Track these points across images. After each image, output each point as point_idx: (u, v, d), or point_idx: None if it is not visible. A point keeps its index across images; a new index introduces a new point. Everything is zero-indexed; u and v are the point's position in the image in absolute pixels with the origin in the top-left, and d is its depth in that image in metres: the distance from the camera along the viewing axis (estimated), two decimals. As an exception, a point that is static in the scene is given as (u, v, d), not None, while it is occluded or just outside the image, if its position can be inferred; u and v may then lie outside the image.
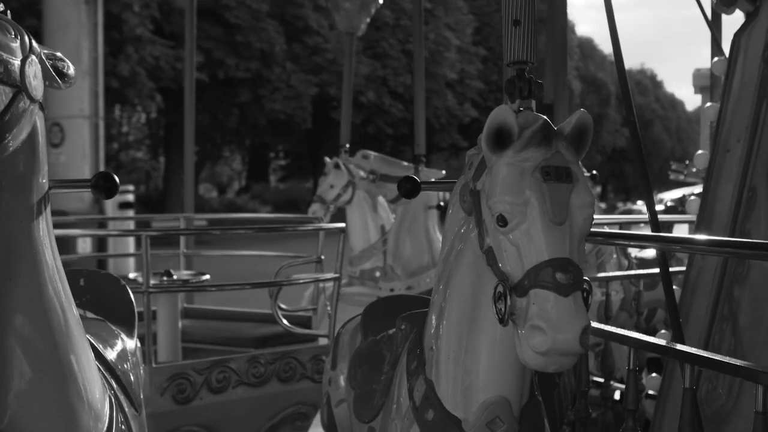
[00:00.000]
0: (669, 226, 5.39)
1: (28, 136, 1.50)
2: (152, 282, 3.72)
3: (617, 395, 3.94)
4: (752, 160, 2.86)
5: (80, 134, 14.15)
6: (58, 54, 1.60)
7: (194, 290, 5.25)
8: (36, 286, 1.55)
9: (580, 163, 1.73)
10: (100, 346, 2.01)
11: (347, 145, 6.66)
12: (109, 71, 17.90)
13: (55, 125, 14.16)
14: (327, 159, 6.47)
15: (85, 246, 11.61)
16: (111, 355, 2.07)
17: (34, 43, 1.53)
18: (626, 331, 2.54)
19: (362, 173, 6.13)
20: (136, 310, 2.54)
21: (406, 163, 6.20)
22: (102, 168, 14.56)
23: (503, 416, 1.86)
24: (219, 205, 30.89)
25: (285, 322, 3.97)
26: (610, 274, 4.63)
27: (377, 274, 6.16)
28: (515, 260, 1.62)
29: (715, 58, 3.40)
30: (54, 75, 1.57)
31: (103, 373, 1.83)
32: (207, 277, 4.39)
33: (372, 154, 6.16)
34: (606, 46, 46.06)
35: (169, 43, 21.52)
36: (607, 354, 3.46)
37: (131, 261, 11.42)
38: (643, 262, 5.01)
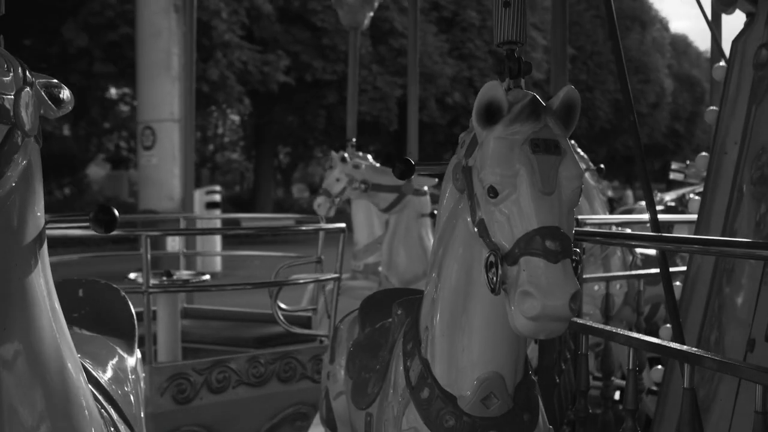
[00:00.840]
0: (669, 226, 5.39)
1: (23, 171, 1.46)
2: (152, 282, 3.72)
3: (617, 395, 3.94)
4: (741, 161, 2.92)
5: (170, 137, 14.68)
6: (54, 81, 1.57)
7: (194, 290, 5.25)
8: (32, 333, 1.49)
9: (568, 138, 1.76)
10: (98, 373, 1.97)
11: (354, 139, 6.71)
12: (199, 76, 18.67)
13: (147, 128, 14.74)
14: (333, 153, 6.50)
15: (174, 244, 11.89)
16: (109, 379, 2.02)
17: (28, 74, 1.49)
18: (626, 331, 2.54)
19: (354, 184, 6.11)
20: (136, 322, 2.48)
21: None
22: (192, 170, 15.19)
23: (497, 392, 1.89)
24: (308, 205, 31.28)
25: (285, 322, 3.97)
26: (612, 274, 4.63)
27: (381, 268, 6.16)
28: (506, 230, 1.66)
29: (716, 64, 3.47)
30: (49, 103, 1.54)
31: (101, 403, 1.80)
32: (207, 277, 4.39)
33: (363, 163, 6.15)
34: (701, 43, 44.51)
35: (257, 48, 21.98)
36: (607, 354, 3.46)
37: (218, 259, 11.34)
38: (648, 258, 5.01)
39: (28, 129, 1.46)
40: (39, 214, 1.53)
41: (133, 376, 2.23)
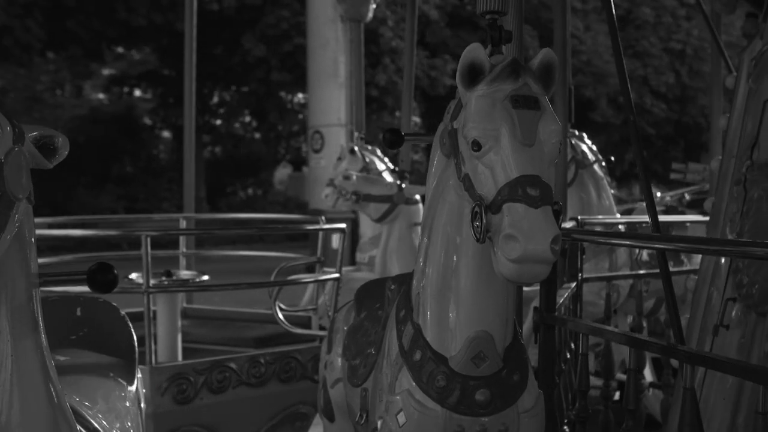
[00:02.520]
0: (668, 225, 5.39)
1: (15, 235, 1.41)
2: (152, 282, 3.71)
3: (616, 395, 3.93)
4: (736, 166, 3.02)
5: (337, 140, 15.45)
6: (45, 131, 1.50)
7: (194, 290, 5.25)
8: (25, 413, 1.43)
9: (547, 97, 1.86)
10: (96, 417, 1.91)
11: (363, 132, 6.75)
12: (368, 81, 19.63)
13: (317, 133, 15.66)
14: (342, 144, 6.54)
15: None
16: (107, 418, 1.98)
17: (18, 130, 1.43)
18: (626, 331, 2.54)
19: (345, 195, 6.10)
20: (136, 343, 2.42)
21: (388, 182, 6.22)
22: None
23: (487, 351, 1.96)
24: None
25: (285, 322, 3.97)
26: (612, 273, 4.63)
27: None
28: (489, 181, 1.76)
29: (729, 74, 3.58)
30: (41, 156, 1.48)
31: None
32: (206, 277, 4.39)
33: (354, 174, 6.16)
34: None
35: (424, 53, 22.61)
36: (607, 354, 3.46)
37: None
38: (653, 254, 5.01)
39: (18, 193, 1.41)
40: (32, 272, 1.49)
41: (134, 406, 2.18)
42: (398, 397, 2.03)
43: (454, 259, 1.95)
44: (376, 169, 6.54)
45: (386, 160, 6.69)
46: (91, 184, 21.55)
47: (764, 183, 2.75)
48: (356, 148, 6.38)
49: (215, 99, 24.86)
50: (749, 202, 2.79)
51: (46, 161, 1.50)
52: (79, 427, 1.61)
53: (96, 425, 1.88)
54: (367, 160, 6.46)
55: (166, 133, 25.72)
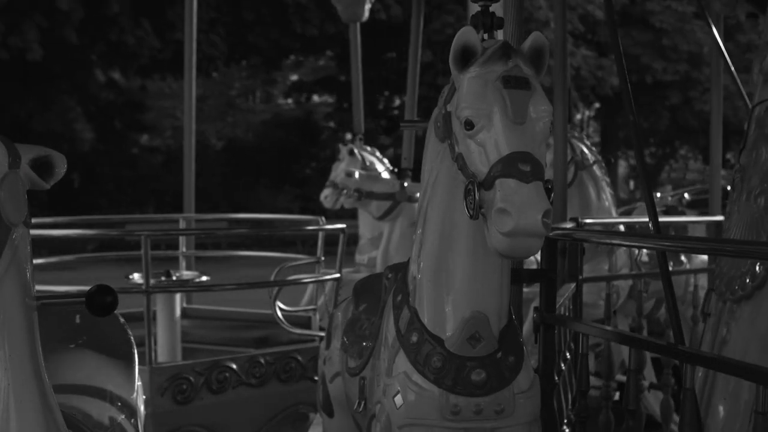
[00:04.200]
0: (668, 226, 5.39)
1: (12, 261, 1.39)
2: (152, 282, 3.71)
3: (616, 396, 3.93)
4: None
5: None
6: (44, 154, 1.47)
7: (194, 290, 5.25)
8: None
9: (538, 79, 1.90)
10: None
11: (362, 134, 6.75)
12: None
13: None
14: (341, 145, 6.55)
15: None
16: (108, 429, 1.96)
17: (13, 152, 1.40)
18: (626, 331, 2.55)
19: (347, 192, 6.10)
20: (135, 350, 2.41)
21: (391, 180, 6.20)
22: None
23: (482, 331, 2.00)
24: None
25: (285, 322, 3.97)
26: (612, 274, 4.63)
27: None
28: (482, 158, 1.81)
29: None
30: (37, 178, 1.45)
31: None
32: (206, 277, 4.39)
33: (357, 172, 6.17)
34: None
35: (590, 53, 22.81)
36: (607, 354, 3.46)
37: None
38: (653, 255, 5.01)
39: (15, 218, 1.39)
40: (30, 296, 1.46)
41: (133, 418, 2.18)
42: (395, 380, 2.05)
43: (449, 240, 1.99)
44: (375, 170, 6.55)
45: (385, 161, 6.68)
46: (271, 184, 22.35)
47: (740, 185, 2.80)
48: (355, 150, 6.38)
49: (396, 102, 25.59)
50: (731, 203, 2.84)
51: (43, 182, 1.46)
52: None
53: None
54: (367, 162, 6.46)
55: (348, 137, 26.50)
